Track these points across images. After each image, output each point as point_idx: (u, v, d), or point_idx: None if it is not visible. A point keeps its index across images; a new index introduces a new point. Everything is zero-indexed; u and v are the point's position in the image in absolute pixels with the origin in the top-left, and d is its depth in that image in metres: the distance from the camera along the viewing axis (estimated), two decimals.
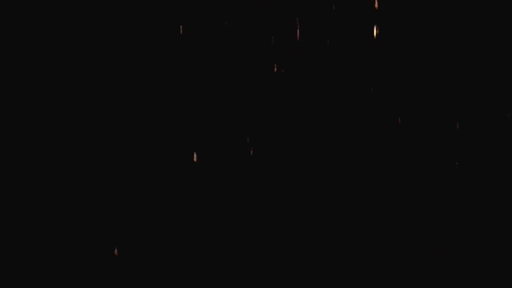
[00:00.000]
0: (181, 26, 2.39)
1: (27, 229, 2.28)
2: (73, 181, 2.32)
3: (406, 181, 2.54)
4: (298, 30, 2.48)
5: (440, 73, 2.55)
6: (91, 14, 2.34)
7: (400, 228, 2.53)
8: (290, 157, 2.45)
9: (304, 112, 2.46)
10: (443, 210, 2.53)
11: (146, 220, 2.33)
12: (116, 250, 2.19)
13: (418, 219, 2.53)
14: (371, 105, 2.54)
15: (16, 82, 2.30)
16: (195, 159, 2.37)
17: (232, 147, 2.41)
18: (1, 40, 2.28)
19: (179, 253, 2.33)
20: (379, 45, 2.51)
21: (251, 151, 2.41)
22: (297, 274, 2.47)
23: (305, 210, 2.55)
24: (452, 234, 2.52)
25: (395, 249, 2.52)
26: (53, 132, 2.31)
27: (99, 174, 2.33)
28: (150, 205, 2.34)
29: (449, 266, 2.50)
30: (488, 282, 2.48)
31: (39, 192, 2.30)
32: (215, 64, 2.42)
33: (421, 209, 2.53)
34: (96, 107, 2.33)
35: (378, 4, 2.51)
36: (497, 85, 2.54)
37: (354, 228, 2.53)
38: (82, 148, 2.33)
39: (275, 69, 2.44)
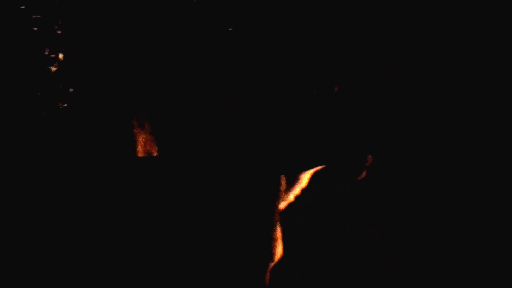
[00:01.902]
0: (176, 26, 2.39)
1: (25, 229, 2.28)
2: (73, 181, 2.32)
3: (406, 181, 2.55)
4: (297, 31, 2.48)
5: (440, 73, 2.55)
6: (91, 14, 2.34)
7: (400, 228, 2.53)
8: (290, 156, 2.45)
9: (304, 112, 2.46)
10: (443, 210, 2.53)
11: (146, 220, 2.33)
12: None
13: (418, 219, 2.53)
14: (371, 105, 2.54)
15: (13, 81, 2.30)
16: (195, 159, 2.37)
17: (232, 147, 2.41)
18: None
19: (179, 253, 2.34)
20: (379, 45, 2.52)
21: (252, 151, 2.41)
22: (296, 273, 2.47)
23: (305, 210, 2.55)
24: (452, 234, 2.52)
25: (395, 249, 2.52)
26: (52, 132, 2.31)
27: (99, 174, 2.33)
28: (150, 205, 2.34)
29: (449, 266, 2.50)
30: (488, 282, 2.48)
31: (36, 193, 2.30)
32: (216, 64, 2.42)
33: (421, 209, 2.53)
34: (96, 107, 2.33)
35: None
36: (497, 85, 2.54)
37: (354, 228, 2.53)
38: (81, 148, 2.33)
39: (275, 69, 2.44)
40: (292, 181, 2.10)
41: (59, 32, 2.28)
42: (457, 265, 2.50)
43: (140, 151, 2.24)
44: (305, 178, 2.12)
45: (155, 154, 2.27)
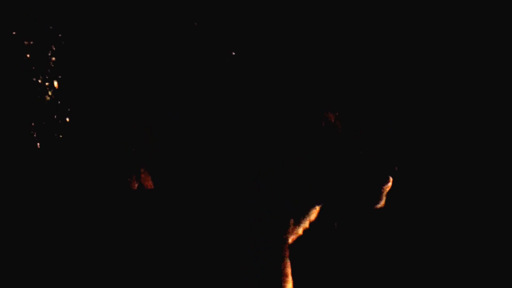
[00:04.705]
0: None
1: (25, 229, 2.27)
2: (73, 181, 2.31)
3: (406, 181, 2.54)
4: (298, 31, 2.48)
5: (439, 73, 2.55)
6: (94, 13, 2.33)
7: (400, 228, 2.53)
8: (291, 156, 2.44)
9: (305, 111, 2.46)
10: (443, 210, 2.53)
11: (146, 220, 2.32)
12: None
13: (418, 219, 2.53)
14: (371, 105, 2.54)
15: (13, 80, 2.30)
16: (195, 160, 2.37)
17: (232, 147, 2.40)
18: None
19: (179, 253, 2.33)
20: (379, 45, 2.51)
21: (251, 151, 2.41)
22: (295, 273, 2.47)
23: (305, 211, 2.54)
24: (452, 234, 2.52)
25: (395, 249, 2.52)
26: (53, 131, 2.31)
27: (99, 174, 2.33)
28: (150, 205, 2.34)
29: (449, 266, 2.50)
30: (488, 282, 2.48)
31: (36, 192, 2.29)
32: (216, 65, 2.42)
33: (421, 209, 2.53)
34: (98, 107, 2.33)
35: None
36: (496, 85, 2.54)
37: (354, 228, 2.53)
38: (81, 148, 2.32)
39: (275, 69, 2.44)
40: (301, 215, 2.09)
41: (53, 59, 2.22)
42: (457, 265, 2.50)
43: (135, 183, 2.23)
44: (314, 211, 2.10)
45: (150, 187, 2.25)
